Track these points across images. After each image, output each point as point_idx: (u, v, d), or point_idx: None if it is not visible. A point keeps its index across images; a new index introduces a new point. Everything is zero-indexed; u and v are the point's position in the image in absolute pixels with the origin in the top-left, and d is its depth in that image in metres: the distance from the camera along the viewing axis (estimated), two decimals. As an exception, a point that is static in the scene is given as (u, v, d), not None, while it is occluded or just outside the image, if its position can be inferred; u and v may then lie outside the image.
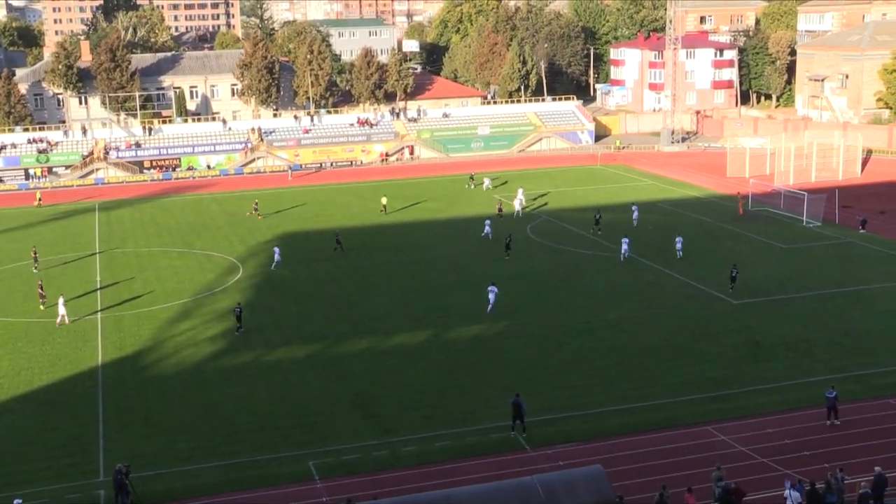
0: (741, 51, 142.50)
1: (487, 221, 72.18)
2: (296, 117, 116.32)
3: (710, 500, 31.33)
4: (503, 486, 29.77)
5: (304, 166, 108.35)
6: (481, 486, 30.34)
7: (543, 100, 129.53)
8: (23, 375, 45.61)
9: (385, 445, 37.21)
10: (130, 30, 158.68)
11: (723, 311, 52.76)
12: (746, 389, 41.67)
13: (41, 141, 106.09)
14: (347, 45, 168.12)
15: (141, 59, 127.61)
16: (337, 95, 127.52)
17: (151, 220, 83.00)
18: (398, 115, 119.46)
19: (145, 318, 54.20)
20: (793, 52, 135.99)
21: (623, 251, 63.68)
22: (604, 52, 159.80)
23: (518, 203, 79.80)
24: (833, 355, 45.57)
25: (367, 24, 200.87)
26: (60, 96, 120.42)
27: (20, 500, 31.24)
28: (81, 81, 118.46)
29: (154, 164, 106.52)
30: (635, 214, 73.99)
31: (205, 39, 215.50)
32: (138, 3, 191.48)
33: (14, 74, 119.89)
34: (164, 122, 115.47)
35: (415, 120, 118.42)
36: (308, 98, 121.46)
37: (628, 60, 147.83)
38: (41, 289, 56.74)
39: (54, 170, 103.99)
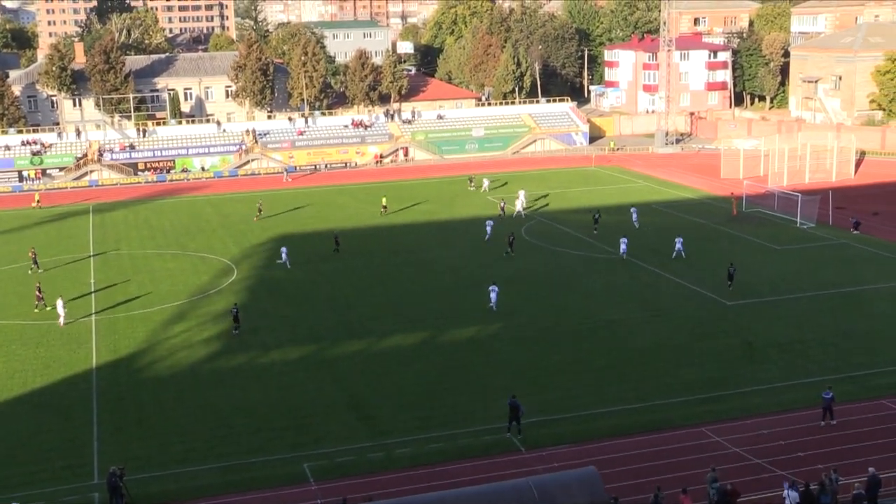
0: (735, 52, 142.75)
1: (489, 222, 72.35)
2: (290, 119, 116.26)
3: (704, 502, 31.40)
4: (498, 488, 29.82)
5: (298, 168, 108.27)
6: (476, 488, 30.38)
7: (538, 101, 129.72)
8: (17, 378, 45.53)
9: (379, 447, 37.22)
10: (124, 31, 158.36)
11: (717, 313, 52.86)
12: (741, 391, 41.75)
13: (35, 143, 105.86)
14: (342, 47, 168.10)
15: (135, 61, 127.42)
16: (331, 97, 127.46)
17: (146, 222, 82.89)
18: (392, 116, 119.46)
19: (140, 320, 54.14)
20: (786, 54, 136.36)
21: (622, 251, 64.27)
22: (598, 53, 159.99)
23: (520, 204, 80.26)
24: (827, 356, 45.68)
25: (362, 26, 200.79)
26: (54, 98, 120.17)
27: (16, 504, 31.27)
28: (75, 83, 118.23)
29: (148, 165, 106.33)
30: (634, 217, 74.07)
31: (199, 41, 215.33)
32: (132, 4, 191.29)
33: (8, 76, 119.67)
34: (158, 123, 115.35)
35: (409, 122, 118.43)
36: (302, 100, 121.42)
37: (622, 62, 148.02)
38: (39, 291, 56.63)
39: (48, 172, 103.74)
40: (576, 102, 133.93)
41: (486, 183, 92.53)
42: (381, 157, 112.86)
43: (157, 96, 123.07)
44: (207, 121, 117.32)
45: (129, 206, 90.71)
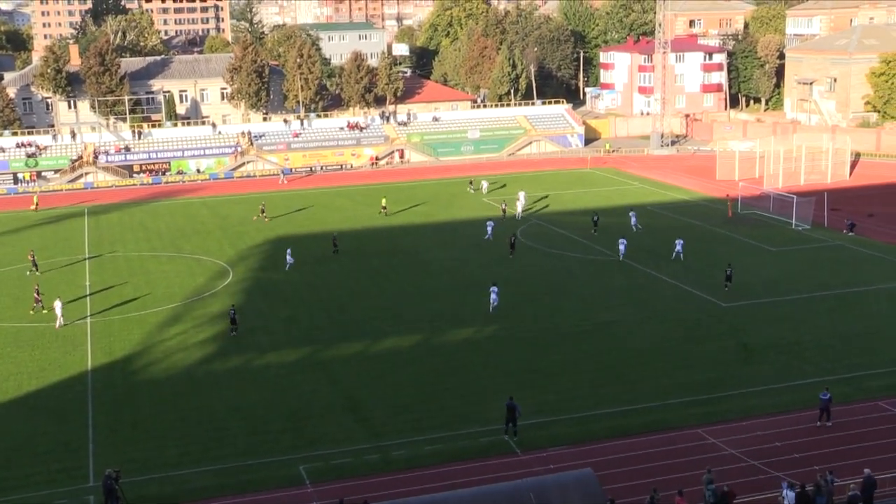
0: (730, 54, 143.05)
1: (490, 223, 72.38)
2: (285, 121, 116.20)
3: (700, 503, 31.42)
4: (494, 490, 29.78)
5: (293, 170, 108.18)
6: (472, 490, 30.34)
7: (533, 103, 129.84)
8: (12, 381, 45.41)
9: (376, 449, 37.17)
10: (120, 33, 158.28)
11: (713, 314, 52.89)
12: (737, 392, 41.78)
13: (30, 145, 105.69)
14: (337, 49, 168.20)
15: (130, 63, 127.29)
16: (327, 99, 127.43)
17: (141, 224, 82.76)
18: (388, 118, 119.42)
19: (135, 322, 54.04)
20: (781, 56, 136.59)
21: (621, 252, 64.58)
22: (593, 55, 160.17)
23: (520, 205, 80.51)
24: (823, 358, 45.73)
25: (357, 28, 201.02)
26: (49, 100, 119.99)
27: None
28: (70, 85, 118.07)
29: (144, 168, 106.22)
30: (633, 220, 74.07)
31: (194, 43, 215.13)
32: (127, 6, 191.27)
33: (2, 78, 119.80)
34: (153, 126, 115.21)
35: (405, 124, 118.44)
36: (298, 102, 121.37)
37: (618, 64, 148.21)
38: (37, 293, 56.51)
39: (43, 174, 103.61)
40: (571, 104, 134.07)
41: (485, 185, 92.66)
42: (377, 159, 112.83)
43: (153, 98, 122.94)
44: (203, 123, 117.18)
45: (124, 208, 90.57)
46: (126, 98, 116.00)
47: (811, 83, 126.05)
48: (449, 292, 58.44)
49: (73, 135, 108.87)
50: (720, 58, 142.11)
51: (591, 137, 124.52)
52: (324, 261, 66.62)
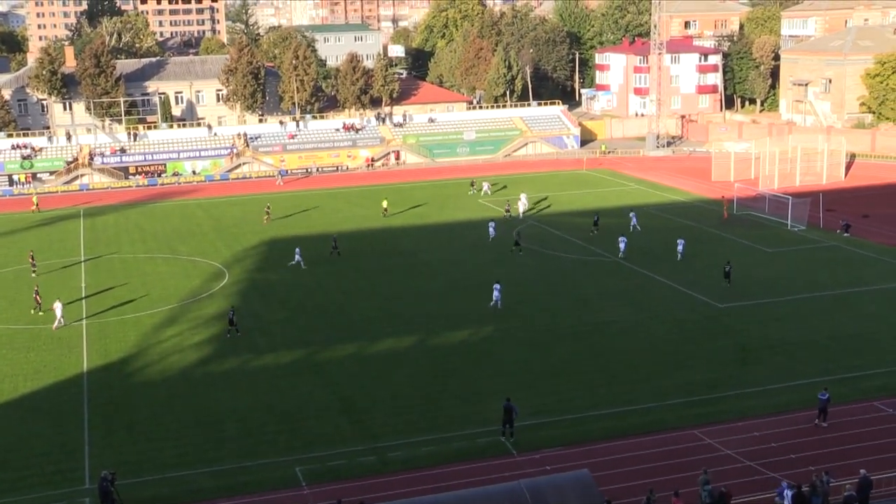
0: (725, 55, 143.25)
1: (492, 224, 72.44)
2: (281, 122, 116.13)
3: (697, 504, 31.46)
4: (490, 491, 29.76)
5: (289, 172, 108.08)
6: (468, 491, 30.34)
7: (529, 105, 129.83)
8: (7, 382, 45.31)
9: (372, 451, 37.14)
10: (115, 35, 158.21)
11: (709, 315, 52.94)
12: (733, 393, 41.81)
13: (25, 147, 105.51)
14: (333, 51, 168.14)
15: (125, 65, 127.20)
16: (322, 101, 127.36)
17: (136, 225, 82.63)
18: (384, 120, 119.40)
19: (131, 324, 53.95)
20: (777, 57, 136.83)
21: (621, 251, 64.98)
22: (589, 56, 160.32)
23: (521, 206, 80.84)
24: (819, 358, 45.78)
25: (353, 30, 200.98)
26: (44, 102, 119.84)
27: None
28: (66, 87, 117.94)
29: (139, 169, 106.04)
30: (634, 221, 74.08)
31: (190, 45, 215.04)
32: (123, 8, 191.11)
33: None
34: (149, 127, 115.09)
35: (400, 125, 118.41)
36: (293, 103, 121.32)
37: (613, 65, 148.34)
38: (37, 294, 56.39)
39: (38, 176, 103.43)
40: (567, 106, 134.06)
41: (486, 186, 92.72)
42: (373, 160, 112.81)
43: (148, 100, 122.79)
44: (198, 124, 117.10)
45: (120, 210, 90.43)
46: (122, 100, 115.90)
47: (806, 84, 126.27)
48: (447, 293, 58.40)
49: (69, 136, 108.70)
50: (715, 59, 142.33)
51: (586, 139, 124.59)
52: (322, 262, 66.54)
